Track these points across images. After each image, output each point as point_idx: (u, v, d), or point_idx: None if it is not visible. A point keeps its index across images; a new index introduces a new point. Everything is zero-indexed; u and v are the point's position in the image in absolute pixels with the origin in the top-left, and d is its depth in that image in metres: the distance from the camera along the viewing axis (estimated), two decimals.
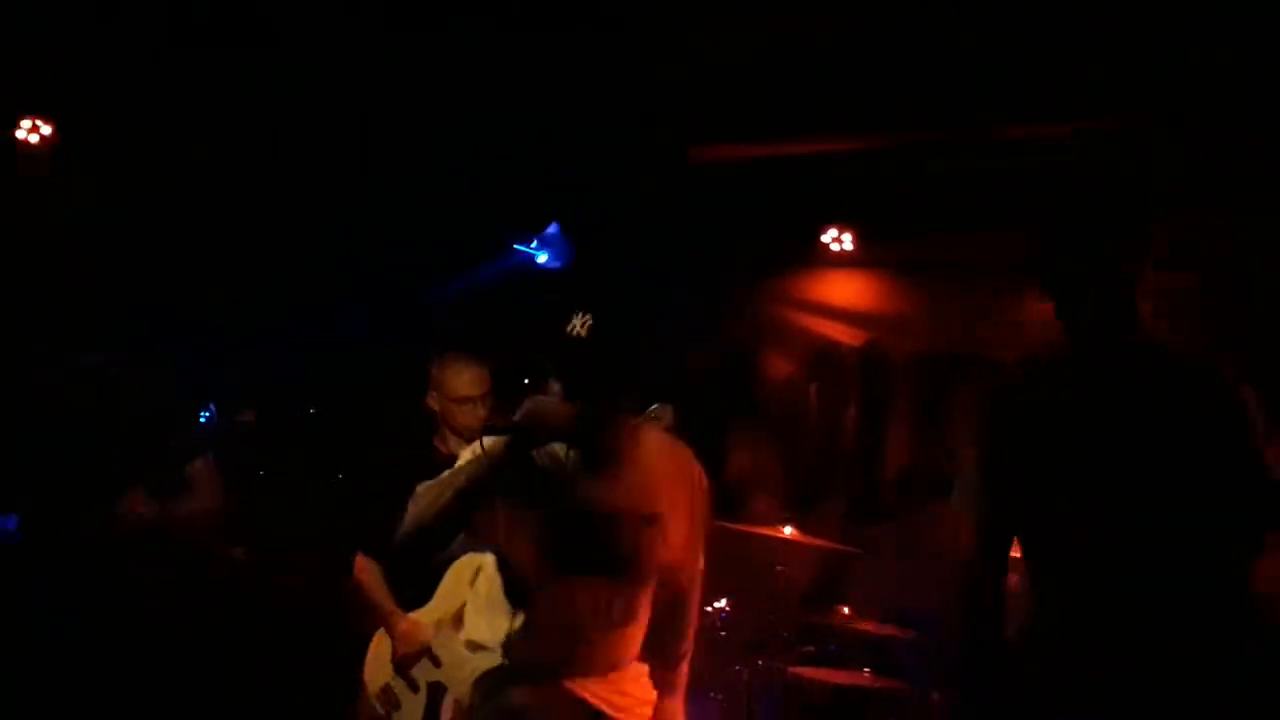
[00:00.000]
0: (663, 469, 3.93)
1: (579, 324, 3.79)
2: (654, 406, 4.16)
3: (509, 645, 3.88)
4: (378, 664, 5.12)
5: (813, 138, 6.57)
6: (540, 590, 3.82)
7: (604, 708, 3.84)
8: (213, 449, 5.37)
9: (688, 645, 4.10)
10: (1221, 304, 6.18)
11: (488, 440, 3.73)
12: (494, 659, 3.90)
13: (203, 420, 6.26)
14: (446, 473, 3.77)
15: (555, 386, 3.84)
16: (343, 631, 5.38)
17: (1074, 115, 6.10)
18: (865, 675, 5.70)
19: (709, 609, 6.04)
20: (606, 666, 3.85)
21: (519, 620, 3.89)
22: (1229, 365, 3.26)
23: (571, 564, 3.78)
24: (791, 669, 5.85)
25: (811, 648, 6.04)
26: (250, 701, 5.85)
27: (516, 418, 3.71)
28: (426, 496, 3.71)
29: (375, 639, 5.15)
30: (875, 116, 6.25)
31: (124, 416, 5.15)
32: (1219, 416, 3.18)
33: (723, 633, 6.00)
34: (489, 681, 3.88)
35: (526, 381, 4.11)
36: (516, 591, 3.88)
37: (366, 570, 5.16)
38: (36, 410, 5.10)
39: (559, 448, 3.80)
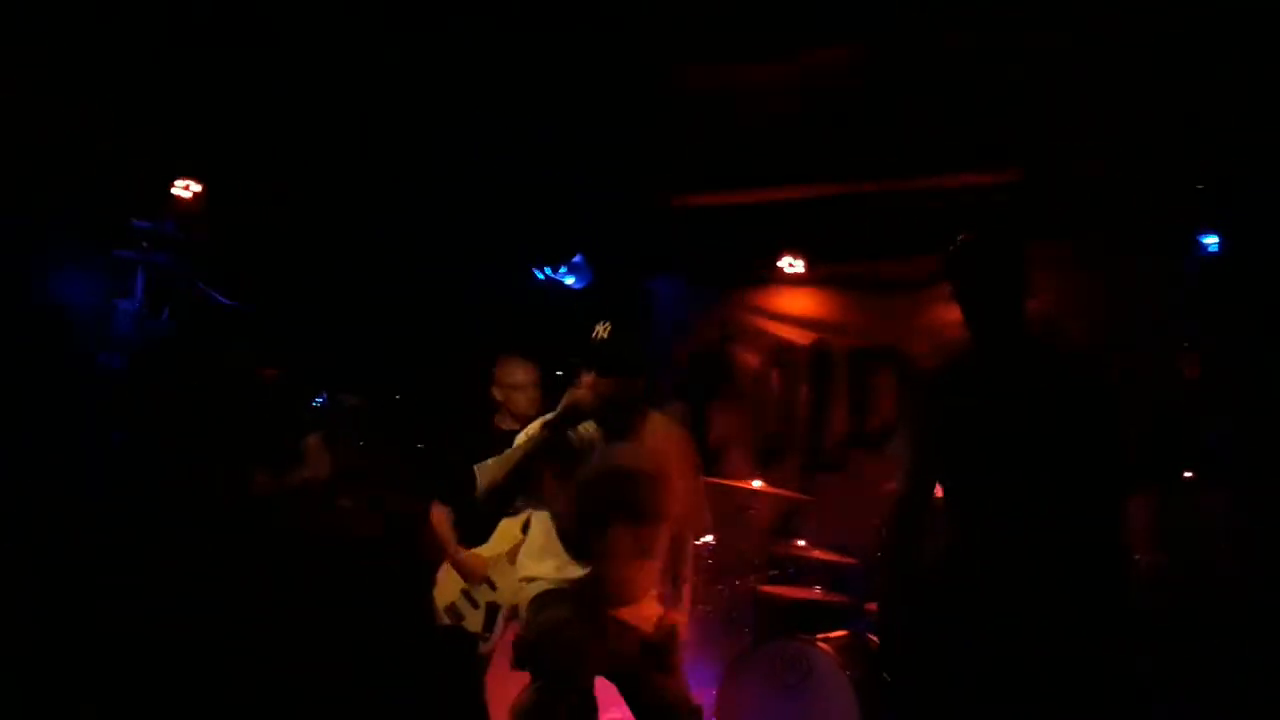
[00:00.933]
0: (666, 441, 4.04)
1: (601, 330, 3.85)
2: (670, 405, 4.25)
3: (562, 578, 3.93)
4: (445, 586, 5.14)
5: (771, 188, 6.58)
6: (582, 536, 3.88)
7: (628, 619, 3.90)
8: (324, 427, 5.39)
9: (689, 573, 4.13)
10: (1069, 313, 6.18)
11: (534, 425, 3.89)
12: (542, 587, 3.96)
13: (316, 404, 6.24)
14: (509, 450, 3.90)
15: (586, 378, 3.87)
16: (419, 561, 5.37)
17: (967, 169, 6.12)
18: (817, 591, 5.71)
19: (698, 543, 6.04)
20: (633, 593, 3.90)
21: (564, 560, 3.94)
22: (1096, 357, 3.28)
23: (604, 514, 3.86)
24: (761, 588, 5.83)
25: (776, 571, 6.01)
26: (352, 611, 5.79)
27: (558, 408, 3.83)
28: (495, 467, 3.86)
29: (443, 567, 5.17)
30: (818, 171, 6.26)
31: (253, 405, 5.18)
32: (1084, 395, 3.19)
33: (709, 560, 5.99)
34: (540, 601, 3.93)
35: (564, 373, 4.15)
36: (563, 539, 3.94)
37: (439, 516, 5.17)
38: (195, 403, 5.12)
39: (590, 425, 3.90)
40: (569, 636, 3.76)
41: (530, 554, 4.09)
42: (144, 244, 5.73)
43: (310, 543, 5.55)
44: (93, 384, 5.32)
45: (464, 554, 5.08)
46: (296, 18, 5.12)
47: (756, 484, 5.99)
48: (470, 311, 6.72)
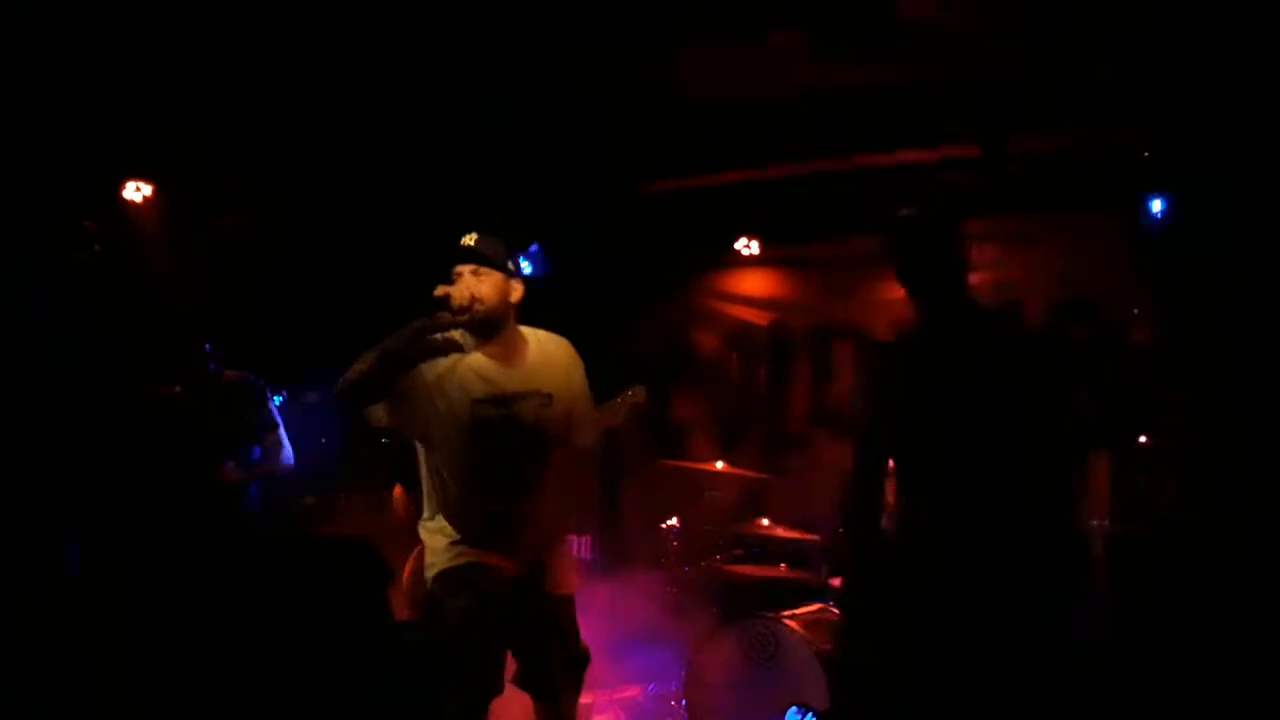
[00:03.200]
0: (552, 359, 3.81)
1: (469, 238, 3.71)
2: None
3: (446, 525, 3.73)
4: (415, 576, 5.01)
5: (727, 173, 6.62)
6: (461, 467, 3.68)
7: (531, 573, 3.75)
8: (282, 425, 5.38)
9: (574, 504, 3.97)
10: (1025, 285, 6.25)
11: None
12: (441, 562, 3.75)
13: (277, 402, 6.21)
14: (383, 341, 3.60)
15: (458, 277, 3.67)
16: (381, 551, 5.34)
17: (920, 146, 6.18)
18: (781, 569, 5.73)
19: (663, 526, 6.07)
20: (529, 531, 3.72)
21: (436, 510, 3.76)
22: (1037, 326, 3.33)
23: (488, 441, 3.64)
24: (726, 567, 5.86)
25: (740, 550, 6.01)
26: (315, 605, 5.76)
27: (436, 291, 3.60)
28: (363, 357, 3.55)
29: (412, 556, 5.04)
30: (773, 156, 6.30)
31: (218, 406, 5.17)
32: (1031, 363, 3.25)
33: (674, 542, 6.00)
34: (444, 585, 3.72)
35: None
36: (448, 472, 3.73)
37: (402, 499, 5.12)
38: (154, 406, 5.10)
39: (467, 340, 3.69)
40: (479, 631, 3.62)
41: (425, 504, 3.86)
42: (96, 246, 5.70)
43: (275, 538, 5.54)
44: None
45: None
46: (251, 8, 5.09)
47: (719, 465, 6.02)
48: (433, 303, 6.69)
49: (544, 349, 3.81)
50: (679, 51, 5.46)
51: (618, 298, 7.47)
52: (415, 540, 5.04)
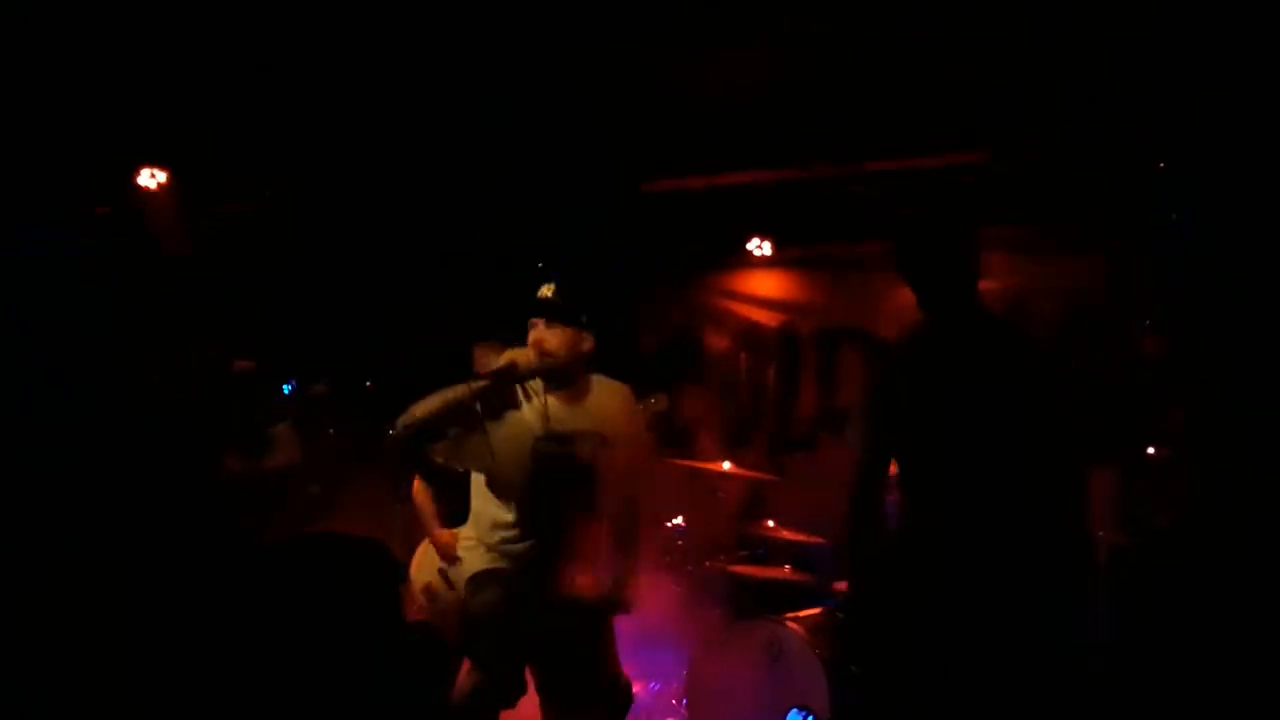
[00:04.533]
0: (614, 403, 3.96)
1: (547, 288, 3.84)
2: (654, 396, 4.24)
3: (491, 543, 3.86)
4: (422, 566, 5.07)
5: (740, 173, 6.64)
6: (524, 498, 3.82)
7: (566, 589, 3.86)
8: (292, 415, 5.38)
9: (637, 541, 4.04)
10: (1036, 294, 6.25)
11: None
12: (476, 564, 3.91)
13: (285, 392, 6.23)
14: (447, 389, 3.77)
15: (533, 332, 3.84)
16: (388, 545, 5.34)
17: (934, 152, 6.18)
18: (786, 571, 5.74)
19: (668, 525, 6.07)
20: (573, 561, 3.86)
21: (488, 527, 3.88)
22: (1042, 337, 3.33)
23: (548, 474, 3.80)
24: (731, 567, 5.86)
25: (746, 551, 6.02)
26: (326, 605, 5.77)
27: (498, 363, 3.76)
28: (425, 402, 3.72)
29: (421, 547, 5.11)
30: (786, 157, 6.31)
31: (223, 394, 5.17)
32: (1035, 373, 3.25)
33: (679, 541, 6.01)
34: (476, 582, 3.87)
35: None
36: (501, 498, 3.87)
37: (421, 492, 5.14)
38: (159, 395, 5.11)
39: (534, 382, 3.86)
40: (503, 625, 3.74)
41: (470, 522, 4.03)
42: (109, 233, 5.71)
43: (281, 528, 5.55)
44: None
45: (442, 532, 5.07)
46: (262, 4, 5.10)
47: (726, 466, 6.03)
48: (443, 300, 6.72)
49: (604, 393, 3.97)
50: (686, 51, 5.45)
51: (627, 296, 7.48)
52: (422, 534, 5.10)
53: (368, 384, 6.46)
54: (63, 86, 5.37)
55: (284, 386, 6.19)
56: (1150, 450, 5.57)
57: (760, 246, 7.20)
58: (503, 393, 3.81)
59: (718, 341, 7.54)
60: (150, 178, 6.14)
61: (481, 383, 3.74)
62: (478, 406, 3.77)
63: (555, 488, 3.81)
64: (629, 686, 4.01)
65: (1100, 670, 4.33)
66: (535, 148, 6.18)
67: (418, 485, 5.17)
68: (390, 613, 4.94)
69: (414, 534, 5.23)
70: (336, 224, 6.60)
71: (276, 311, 6.30)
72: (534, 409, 3.83)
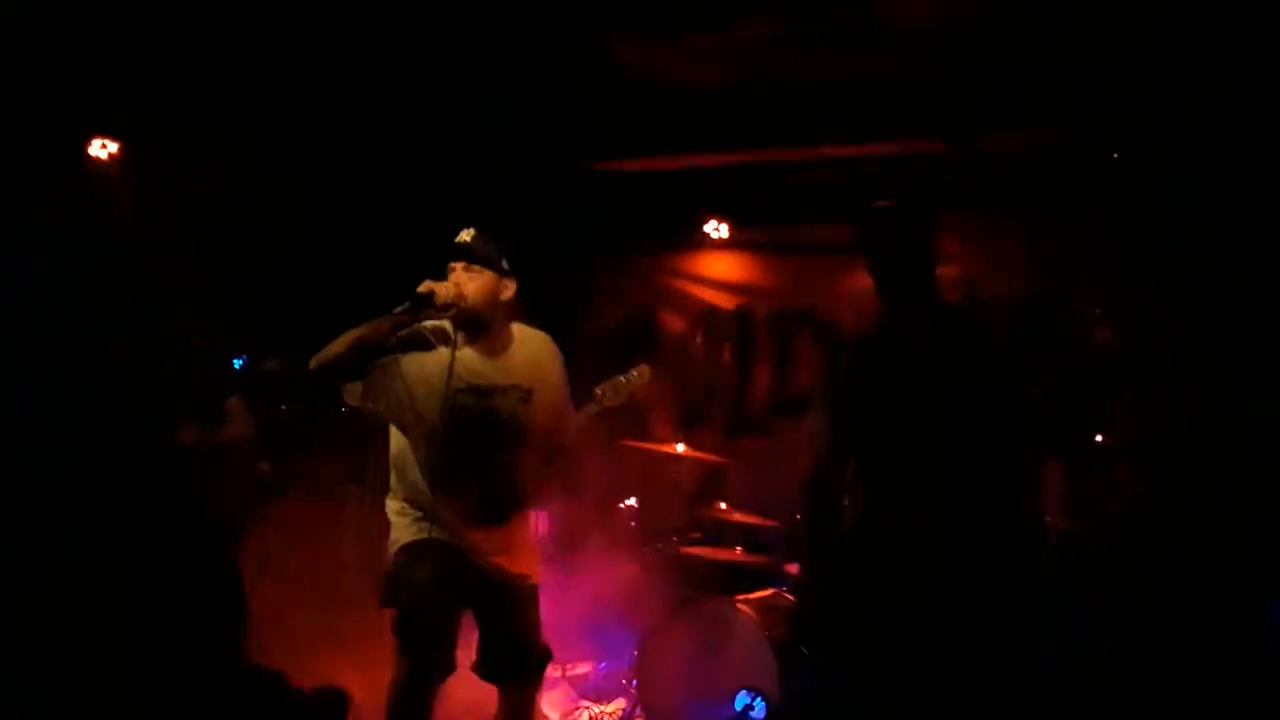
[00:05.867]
0: (536, 357, 3.86)
1: (465, 234, 3.75)
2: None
3: (416, 502, 3.75)
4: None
5: (697, 155, 6.62)
6: (443, 454, 3.71)
7: (491, 556, 3.77)
8: (243, 390, 5.32)
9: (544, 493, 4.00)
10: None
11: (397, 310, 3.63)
12: (404, 534, 3.78)
13: (236, 367, 6.16)
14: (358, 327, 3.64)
15: (452, 274, 3.71)
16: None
17: (889, 139, 6.18)
18: (738, 553, 5.75)
19: (621, 506, 6.06)
20: (498, 522, 3.77)
21: (409, 485, 3.77)
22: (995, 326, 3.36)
23: (463, 430, 3.68)
24: (683, 549, 5.87)
25: (698, 534, 6.04)
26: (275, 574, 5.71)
27: (419, 289, 3.61)
28: (342, 337, 3.61)
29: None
30: (742, 138, 6.30)
31: (177, 366, 5.10)
32: (991, 361, 3.26)
33: (632, 523, 6.01)
34: (406, 557, 3.75)
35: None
36: (419, 455, 3.75)
37: None
38: (119, 365, 5.04)
39: (448, 325, 3.74)
40: (435, 610, 3.65)
41: (393, 479, 3.87)
42: (59, 205, 5.61)
43: (231, 504, 5.49)
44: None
45: None
46: None
47: (679, 448, 6.02)
48: (395, 274, 6.65)
49: (526, 345, 3.86)
50: (647, 34, 5.43)
51: (582, 276, 7.45)
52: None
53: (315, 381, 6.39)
54: (9, 55, 5.26)
55: (234, 361, 6.11)
56: (1099, 438, 5.62)
57: (717, 228, 7.19)
58: (421, 334, 3.68)
59: (673, 323, 7.53)
60: (101, 148, 6.03)
61: (398, 313, 3.59)
62: (395, 344, 3.65)
63: (475, 442, 3.69)
64: (549, 648, 3.96)
65: (1053, 657, 4.38)
66: (491, 128, 6.13)
67: None
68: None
69: (366, 514, 5.20)
70: (296, 194, 6.52)
71: (231, 283, 6.21)
72: (455, 358, 3.69)
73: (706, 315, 7.47)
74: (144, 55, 5.53)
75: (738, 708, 4.80)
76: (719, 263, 7.45)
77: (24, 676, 4.24)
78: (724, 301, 7.41)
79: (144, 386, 5.06)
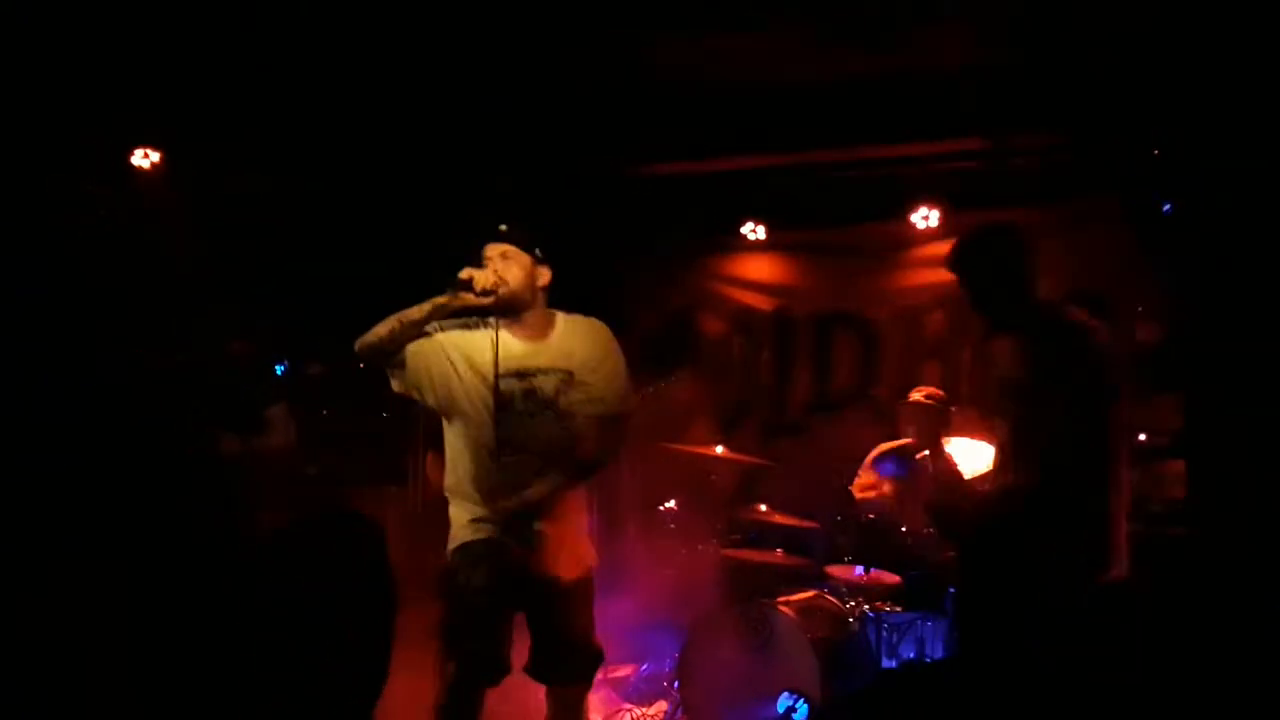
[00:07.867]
0: (581, 342, 3.85)
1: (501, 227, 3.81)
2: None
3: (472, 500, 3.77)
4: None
5: (734, 156, 6.60)
6: (481, 444, 3.73)
7: (545, 555, 3.73)
8: (286, 396, 5.34)
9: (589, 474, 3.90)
10: None
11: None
12: (463, 534, 3.79)
13: (278, 372, 6.19)
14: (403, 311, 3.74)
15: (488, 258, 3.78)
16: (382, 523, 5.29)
17: (927, 139, 6.16)
18: (778, 555, 5.73)
19: (661, 509, 6.05)
20: (550, 521, 3.75)
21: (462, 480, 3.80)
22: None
23: (506, 413, 3.69)
24: (723, 551, 5.86)
25: (738, 535, 6.03)
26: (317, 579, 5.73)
27: (461, 274, 3.68)
28: (385, 322, 3.69)
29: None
30: (779, 140, 6.28)
31: (218, 376, 5.13)
32: (1090, 364, 3.55)
33: (672, 525, 5.99)
34: (462, 557, 3.76)
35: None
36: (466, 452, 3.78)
37: (435, 465, 5.08)
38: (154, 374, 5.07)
39: (490, 319, 3.78)
40: (489, 614, 3.67)
41: (448, 471, 3.89)
42: (102, 212, 5.67)
43: (276, 509, 5.51)
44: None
45: None
46: None
47: (719, 450, 6.01)
48: (437, 280, 6.67)
49: (573, 330, 3.87)
50: (683, 35, 5.42)
51: (620, 280, 7.44)
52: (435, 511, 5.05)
53: (361, 364, 6.43)
54: (56, 67, 5.31)
55: (277, 367, 6.14)
56: (1142, 436, 5.56)
57: (755, 230, 7.17)
58: (463, 321, 3.75)
59: (712, 325, 7.51)
60: (144, 158, 6.09)
61: (440, 300, 3.68)
62: (438, 330, 3.72)
63: (520, 426, 3.70)
64: (600, 648, 3.96)
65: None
66: (529, 131, 6.14)
67: (431, 456, 5.12)
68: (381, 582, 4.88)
69: (408, 515, 5.22)
70: (338, 200, 6.56)
71: (273, 290, 6.25)
72: (493, 343, 3.72)
73: (745, 317, 7.45)
74: (186, 66, 5.58)
75: (780, 710, 4.78)
76: (757, 265, 7.43)
77: (34, 680, 4.27)
78: (762, 303, 7.39)
79: (181, 396, 5.09)
